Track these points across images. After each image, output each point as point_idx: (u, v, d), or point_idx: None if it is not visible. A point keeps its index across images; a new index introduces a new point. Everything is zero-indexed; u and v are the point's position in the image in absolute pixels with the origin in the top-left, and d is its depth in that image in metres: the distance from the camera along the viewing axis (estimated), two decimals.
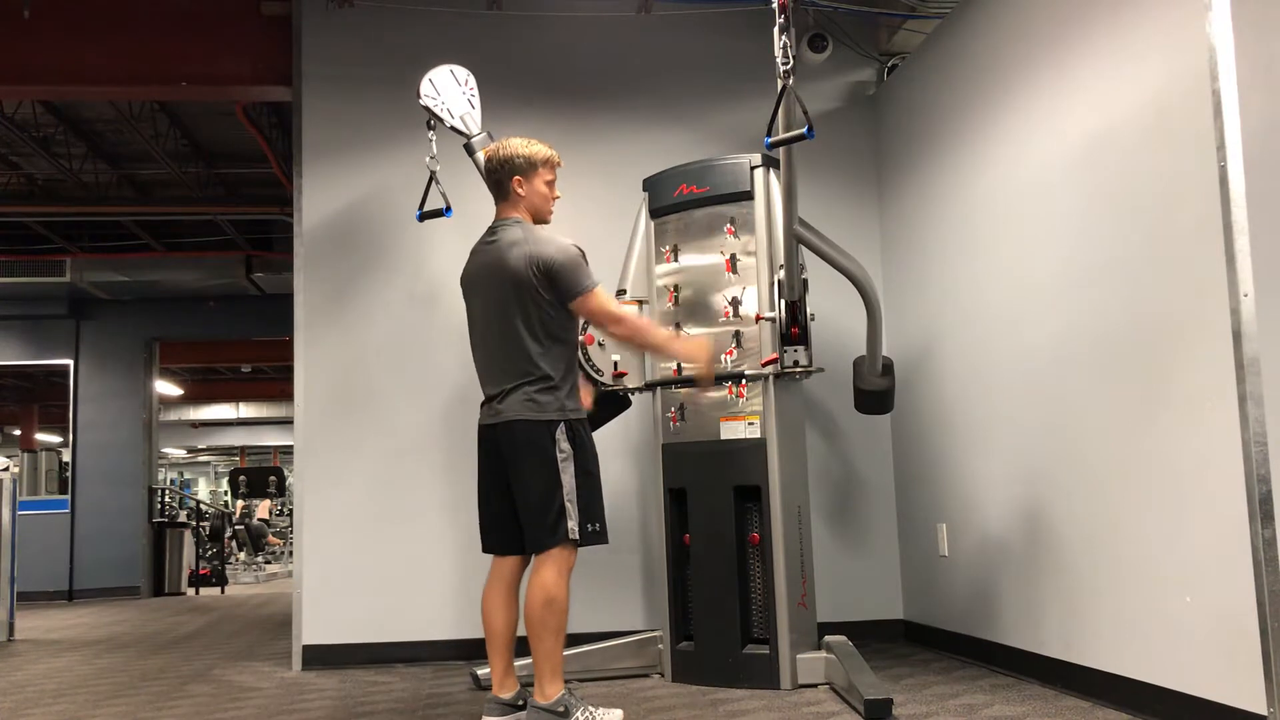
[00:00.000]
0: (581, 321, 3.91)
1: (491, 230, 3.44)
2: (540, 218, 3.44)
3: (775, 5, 3.06)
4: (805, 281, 3.89)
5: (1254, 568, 2.64)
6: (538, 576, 3.20)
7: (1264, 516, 2.62)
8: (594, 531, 3.27)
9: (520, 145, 3.40)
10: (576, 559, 3.27)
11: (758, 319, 3.85)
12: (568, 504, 3.21)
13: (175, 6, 5.07)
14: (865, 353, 4.32)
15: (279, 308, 6.19)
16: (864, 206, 5.07)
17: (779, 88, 3.27)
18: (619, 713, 3.26)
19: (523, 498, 3.27)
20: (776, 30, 3.22)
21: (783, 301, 3.77)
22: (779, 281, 3.76)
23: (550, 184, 3.44)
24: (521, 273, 3.25)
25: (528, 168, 3.38)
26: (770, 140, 3.28)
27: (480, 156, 4.07)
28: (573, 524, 3.20)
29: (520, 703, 3.31)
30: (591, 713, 3.18)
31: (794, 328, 3.83)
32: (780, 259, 3.89)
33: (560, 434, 3.24)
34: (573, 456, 3.25)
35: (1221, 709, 2.77)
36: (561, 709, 3.15)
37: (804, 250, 3.90)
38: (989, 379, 4.07)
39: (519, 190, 3.38)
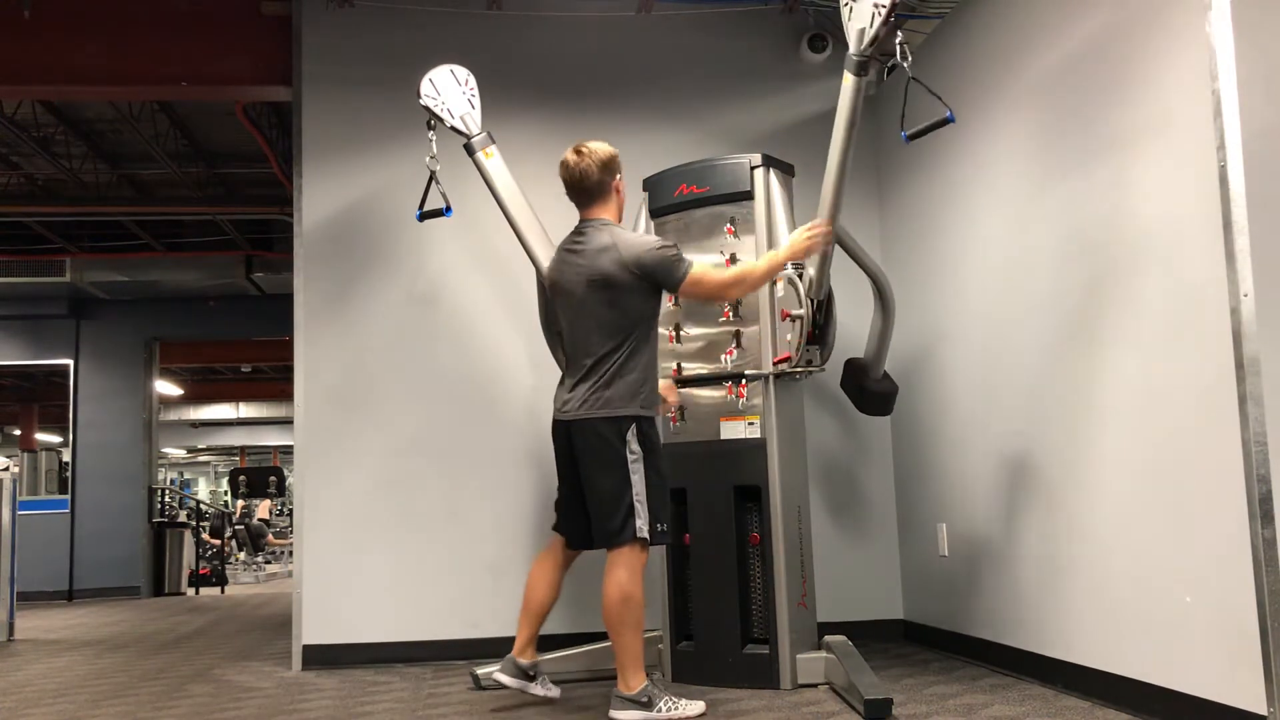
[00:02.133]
0: None
1: (580, 232, 3.57)
2: (621, 216, 3.66)
3: (887, 4, 3.03)
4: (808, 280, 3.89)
5: (1254, 568, 2.64)
6: (613, 576, 3.35)
7: (1264, 516, 2.62)
8: (662, 531, 3.41)
9: (608, 148, 3.57)
10: (647, 558, 3.41)
11: (784, 316, 3.79)
12: (637, 504, 3.34)
13: (175, 6, 5.07)
14: (865, 353, 4.33)
15: (279, 308, 6.18)
16: (864, 206, 5.07)
17: (905, 82, 3.23)
18: (701, 704, 3.36)
19: (593, 494, 3.42)
20: (881, 29, 3.12)
21: (811, 300, 3.74)
22: (811, 279, 3.73)
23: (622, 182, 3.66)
24: (613, 274, 3.40)
25: (619, 169, 3.59)
26: (908, 133, 3.27)
27: (480, 156, 4.10)
28: (641, 523, 3.34)
29: (533, 673, 3.60)
30: (674, 703, 3.33)
31: (812, 328, 3.82)
32: None
33: (631, 434, 3.37)
34: (643, 458, 3.38)
35: (1221, 709, 2.77)
36: (645, 699, 3.32)
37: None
38: (989, 379, 4.07)
39: (620, 192, 3.60)
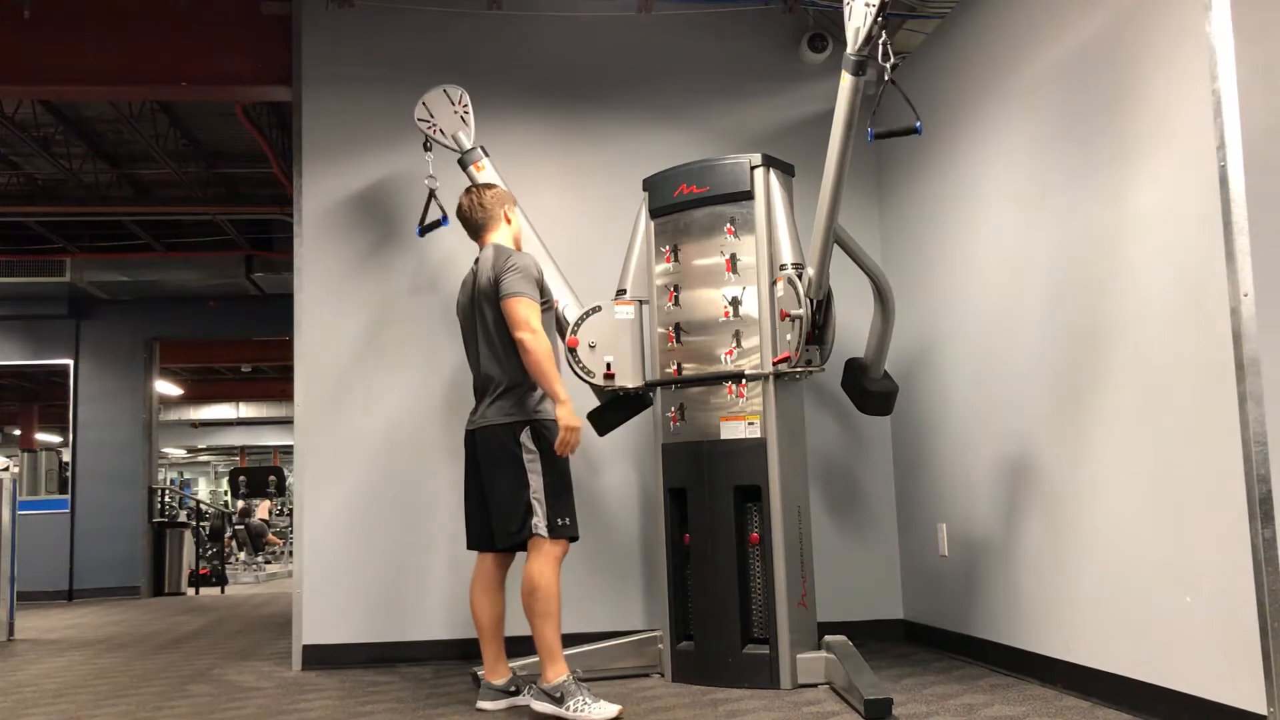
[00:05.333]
0: (572, 324, 4.00)
1: (476, 260, 3.76)
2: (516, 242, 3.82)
3: (877, 3, 3.03)
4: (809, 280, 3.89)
5: (1254, 568, 2.64)
6: (526, 568, 3.47)
7: (1264, 516, 2.62)
8: (563, 525, 3.49)
9: (496, 187, 3.85)
10: (565, 552, 3.50)
11: (784, 316, 3.79)
12: (534, 502, 3.46)
13: (175, 6, 5.06)
14: (865, 353, 4.33)
15: (279, 308, 6.19)
16: (864, 206, 5.07)
17: (883, 83, 3.22)
18: (614, 708, 3.33)
19: (493, 497, 3.55)
20: (875, 28, 3.10)
21: (810, 300, 3.74)
22: (810, 279, 3.72)
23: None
24: (487, 288, 3.58)
25: (506, 200, 3.80)
26: (875, 132, 3.27)
27: (472, 170, 4.33)
28: (538, 520, 3.45)
29: (513, 689, 3.60)
30: (586, 703, 3.32)
31: (811, 328, 3.81)
32: (781, 258, 3.88)
33: (526, 435, 3.49)
34: (540, 456, 3.48)
35: (1221, 709, 2.77)
36: (558, 694, 3.36)
37: (804, 251, 3.90)
38: (989, 379, 4.07)
39: (512, 219, 3.80)
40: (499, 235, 3.74)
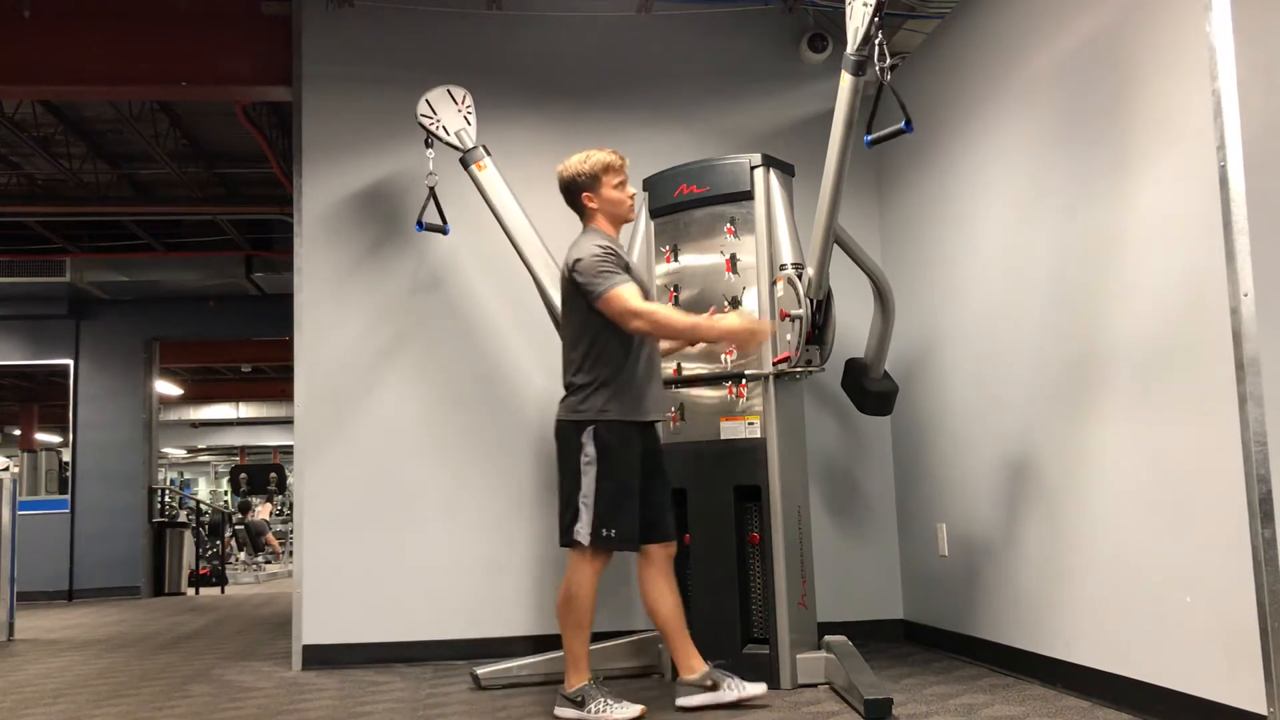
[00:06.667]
0: None
1: None
2: (623, 219, 3.63)
3: (874, 3, 3.03)
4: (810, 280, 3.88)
5: (1254, 568, 2.64)
6: (565, 576, 3.46)
7: (1264, 516, 2.62)
8: (607, 537, 3.39)
9: (578, 162, 3.56)
10: (606, 563, 3.45)
11: (783, 316, 3.79)
12: (582, 507, 3.38)
13: (175, 6, 5.06)
14: (865, 353, 4.33)
15: (279, 308, 6.19)
16: (864, 206, 5.06)
17: (878, 85, 3.22)
18: (638, 709, 3.34)
19: (559, 491, 3.50)
20: (872, 28, 3.11)
21: (810, 300, 3.74)
22: (810, 279, 3.72)
23: (620, 186, 3.58)
24: (565, 279, 3.49)
25: (592, 182, 3.54)
26: (870, 137, 3.27)
27: (474, 170, 4.36)
28: (582, 527, 3.38)
29: (709, 682, 3.47)
30: (608, 704, 3.33)
31: (811, 328, 3.81)
32: (781, 258, 3.88)
33: (587, 437, 3.40)
34: (596, 461, 3.39)
35: (1221, 709, 2.77)
36: (579, 698, 3.36)
37: (804, 251, 3.90)
38: (989, 378, 4.07)
39: (591, 204, 3.56)
40: (588, 223, 3.60)
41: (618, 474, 3.41)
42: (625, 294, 3.36)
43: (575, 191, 3.57)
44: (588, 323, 3.45)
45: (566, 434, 3.45)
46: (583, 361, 3.46)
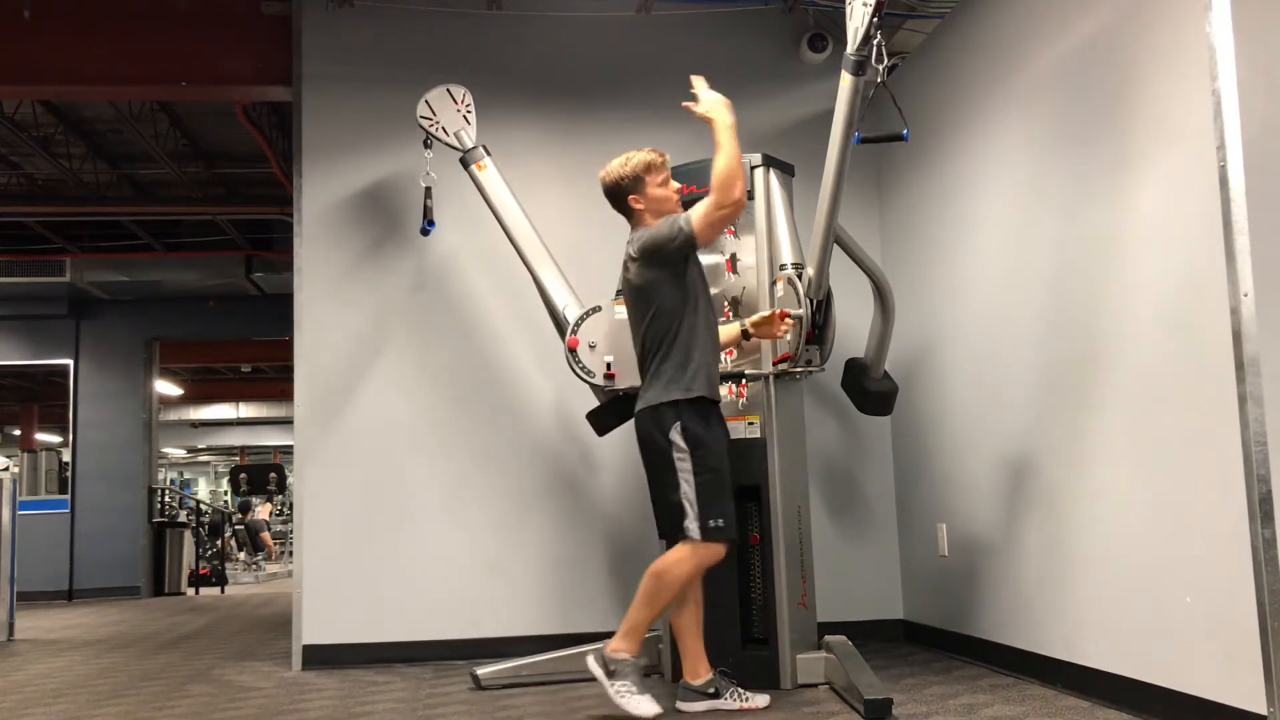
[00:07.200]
0: (572, 324, 3.96)
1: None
2: (670, 215, 3.52)
3: (873, 3, 3.03)
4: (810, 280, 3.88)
5: (1254, 568, 2.64)
6: (670, 551, 3.42)
7: (1264, 516, 2.62)
8: (717, 527, 3.36)
9: (619, 166, 3.55)
10: (717, 556, 3.40)
11: (783, 316, 3.80)
12: (684, 503, 3.35)
13: (175, 6, 5.06)
14: (865, 353, 4.33)
15: (279, 308, 6.18)
16: (864, 206, 5.06)
17: (876, 86, 3.21)
18: (655, 709, 3.30)
19: (651, 488, 3.50)
20: (871, 30, 3.12)
21: (809, 300, 3.74)
22: (810, 279, 3.72)
23: (664, 183, 3.56)
24: (628, 268, 3.49)
25: (635, 184, 3.53)
26: (861, 136, 3.27)
27: (474, 170, 4.35)
28: (689, 523, 3.34)
29: (711, 689, 3.47)
30: (630, 690, 3.30)
31: (811, 328, 3.81)
32: (781, 258, 3.88)
33: (675, 432, 3.37)
34: (690, 455, 3.37)
35: (1221, 709, 2.77)
36: (613, 668, 3.34)
37: (804, 251, 3.90)
38: (989, 378, 4.07)
39: (638, 206, 3.54)
40: (636, 224, 3.58)
41: (711, 462, 3.40)
42: (695, 210, 3.36)
43: (620, 196, 3.56)
44: (664, 307, 3.41)
45: (658, 422, 3.38)
46: (655, 353, 3.43)
